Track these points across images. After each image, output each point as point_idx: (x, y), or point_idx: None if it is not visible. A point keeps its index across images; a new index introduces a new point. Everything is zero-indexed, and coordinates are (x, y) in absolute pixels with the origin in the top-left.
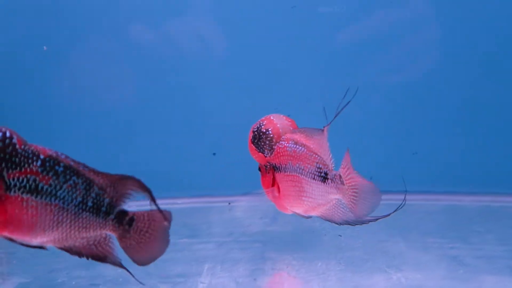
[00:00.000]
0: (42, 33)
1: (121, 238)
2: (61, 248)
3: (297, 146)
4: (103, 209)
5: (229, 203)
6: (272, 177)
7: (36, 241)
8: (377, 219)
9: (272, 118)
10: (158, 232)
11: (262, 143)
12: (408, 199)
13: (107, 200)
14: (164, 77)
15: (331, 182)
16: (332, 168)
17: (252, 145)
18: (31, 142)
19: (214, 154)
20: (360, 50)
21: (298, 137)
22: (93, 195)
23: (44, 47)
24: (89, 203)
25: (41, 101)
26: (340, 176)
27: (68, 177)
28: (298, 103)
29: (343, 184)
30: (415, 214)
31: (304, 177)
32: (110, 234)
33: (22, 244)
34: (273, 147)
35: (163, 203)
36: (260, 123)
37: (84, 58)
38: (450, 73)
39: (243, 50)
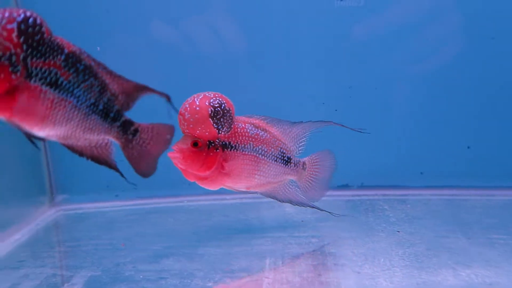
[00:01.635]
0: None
1: (124, 148)
2: (64, 144)
3: (259, 131)
4: (111, 114)
5: None
6: (219, 154)
7: (42, 133)
8: (323, 210)
9: (225, 97)
10: (159, 145)
11: (224, 121)
12: (462, 194)
13: (116, 107)
14: (188, 74)
15: (294, 166)
16: (294, 154)
17: (209, 120)
18: None
19: None
20: (394, 41)
21: (257, 122)
22: (105, 99)
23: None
24: (100, 106)
25: None
26: (304, 163)
27: (86, 77)
28: (322, 95)
29: (304, 170)
30: (472, 209)
31: (264, 158)
32: (112, 140)
33: (25, 133)
34: (231, 126)
35: (213, 199)
36: (219, 100)
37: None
38: (504, 65)
39: (262, 45)
